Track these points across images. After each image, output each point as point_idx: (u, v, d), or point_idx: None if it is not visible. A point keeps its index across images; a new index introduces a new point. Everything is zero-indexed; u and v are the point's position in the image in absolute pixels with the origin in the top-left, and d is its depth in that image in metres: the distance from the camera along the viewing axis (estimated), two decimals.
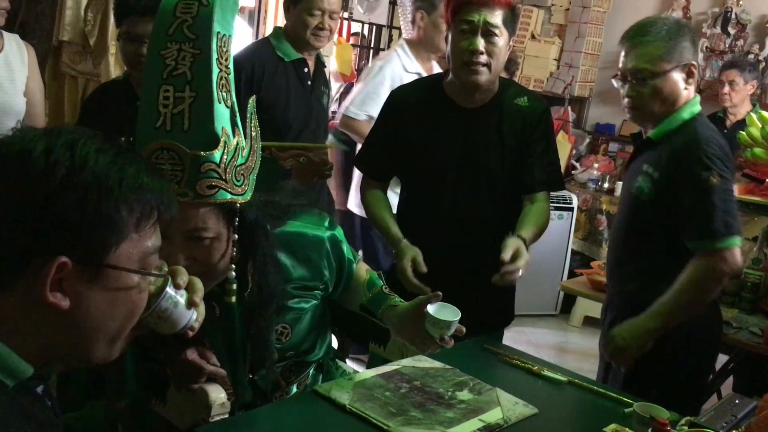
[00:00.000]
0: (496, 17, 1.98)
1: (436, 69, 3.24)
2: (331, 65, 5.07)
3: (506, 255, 1.86)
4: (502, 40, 2.00)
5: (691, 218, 1.93)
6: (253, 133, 1.43)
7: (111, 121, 2.23)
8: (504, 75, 4.05)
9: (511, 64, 4.18)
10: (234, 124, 1.36)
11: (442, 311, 1.52)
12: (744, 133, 2.89)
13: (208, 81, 1.31)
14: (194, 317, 1.11)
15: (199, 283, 1.13)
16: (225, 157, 1.32)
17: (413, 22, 3.20)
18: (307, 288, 1.65)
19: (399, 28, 5.94)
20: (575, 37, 5.88)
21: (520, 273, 1.89)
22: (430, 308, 1.52)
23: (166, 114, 1.31)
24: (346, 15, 5.74)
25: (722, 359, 3.08)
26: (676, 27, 1.98)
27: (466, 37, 2.00)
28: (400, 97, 2.25)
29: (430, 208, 1.93)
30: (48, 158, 0.83)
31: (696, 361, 2.07)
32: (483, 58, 1.99)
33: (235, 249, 1.42)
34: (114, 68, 3.09)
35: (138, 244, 0.89)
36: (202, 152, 1.29)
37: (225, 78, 1.35)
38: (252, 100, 1.46)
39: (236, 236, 1.41)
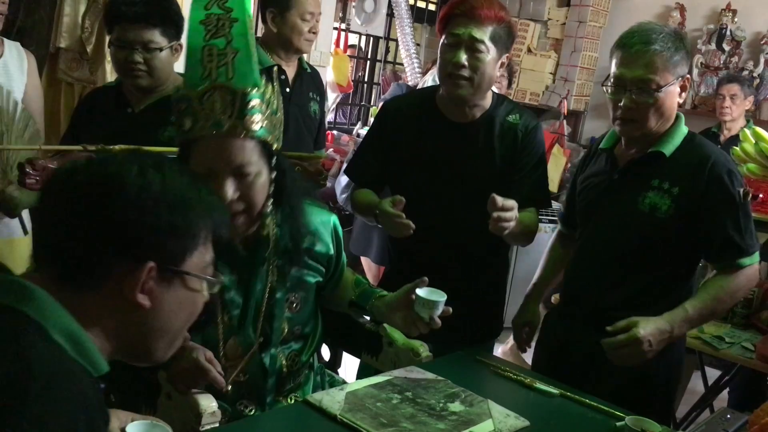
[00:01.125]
0: (483, 33, 1.97)
1: None
2: (328, 76, 5.09)
3: (497, 197, 1.81)
4: (488, 56, 1.99)
5: (727, 234, 1.87)
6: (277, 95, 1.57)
7: (100, 126, 2.24)
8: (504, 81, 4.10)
9: (510, 74, 4.19)
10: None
11: (430, 294, 1.67)
12: (737, 148, 2.91)
13: (245, 40, 1.46)
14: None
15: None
16: (264, 99, 1.49)
17: None
18: (316, 259, 1.73)
19: (396, 40, 5.99)
20: (571, 52, 5.91)
21: (512, 223, 1.84)
22: (419, 291, 1.65)
23: (211, 68, 1.46)
24: (343, 26, 5.77)
25: (715, 374, 3.09)
26: (677, 37, 1.91)
27: (451, 50, 2.00)
28: (392, 108, 2.26)
29: (419, 221, 1.93)
30: (143, 179, 0.95)
31: (668, 365, 2.00)
32: (465, 72, 1.99)
33: (272, 187, 1.56)
34: (110, 75, 3.08)
35: (203, 255, 1.01)
36: (249, 89, 1.45)
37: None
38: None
39: (274, 173, 1.55)
